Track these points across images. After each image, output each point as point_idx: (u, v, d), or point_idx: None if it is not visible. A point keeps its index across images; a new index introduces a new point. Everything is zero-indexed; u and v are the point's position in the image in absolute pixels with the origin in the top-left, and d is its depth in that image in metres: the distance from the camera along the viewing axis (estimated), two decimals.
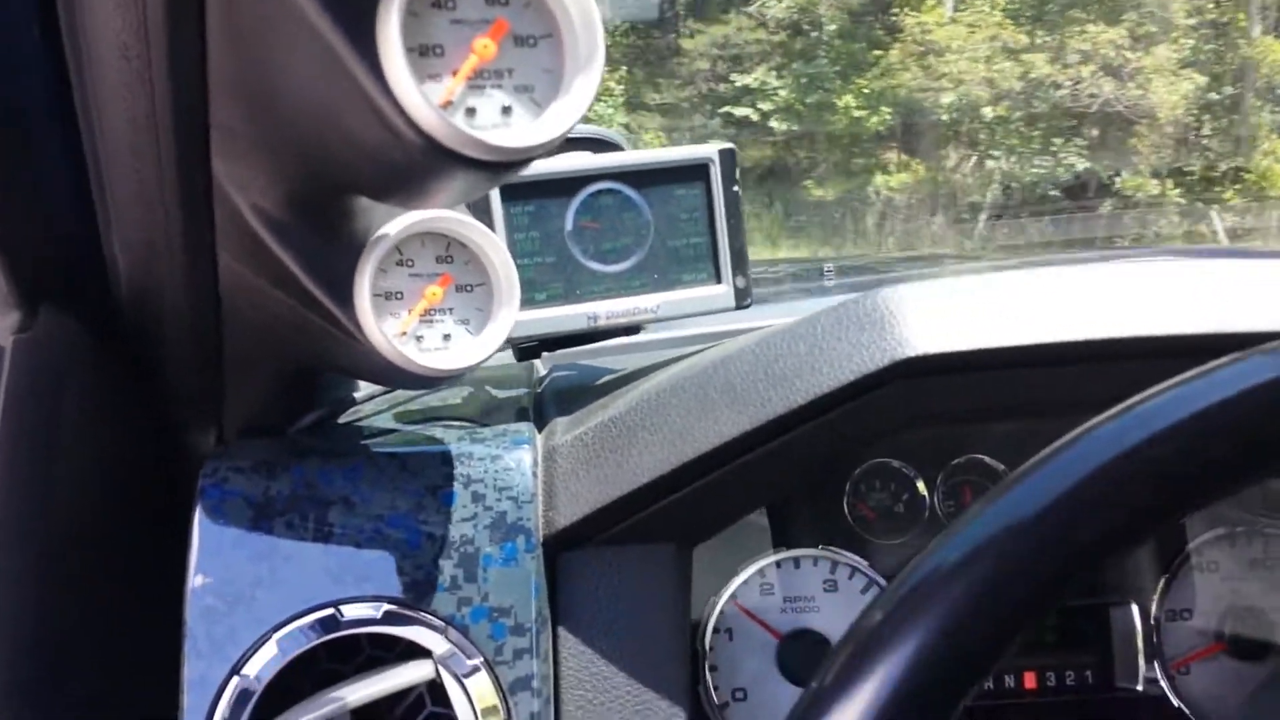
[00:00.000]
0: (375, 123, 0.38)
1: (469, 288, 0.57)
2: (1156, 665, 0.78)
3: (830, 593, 0.78)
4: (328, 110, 0.42)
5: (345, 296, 0.53)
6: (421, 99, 0.37)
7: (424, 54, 0.38)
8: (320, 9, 0.36)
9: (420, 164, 0.40)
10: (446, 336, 0.56)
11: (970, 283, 0.66)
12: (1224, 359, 0.40)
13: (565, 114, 0.40)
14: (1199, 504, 0.39)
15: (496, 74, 0.40)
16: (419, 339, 0.56)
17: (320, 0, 0.36)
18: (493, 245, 0.56)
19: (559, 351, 0.84)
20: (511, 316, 0.57)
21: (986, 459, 0.81)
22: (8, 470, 0.59)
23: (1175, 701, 0.78)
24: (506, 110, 0.40)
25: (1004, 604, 0.37)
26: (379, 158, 0.42)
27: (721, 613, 0.78)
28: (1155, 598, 0.80)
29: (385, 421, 0.74)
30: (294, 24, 0.37)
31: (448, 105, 0.39)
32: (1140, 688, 0.78)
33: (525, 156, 0.40)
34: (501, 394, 0.83)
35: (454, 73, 0.39)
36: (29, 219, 0.59)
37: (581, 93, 0.40)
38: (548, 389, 0.85)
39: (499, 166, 0.40)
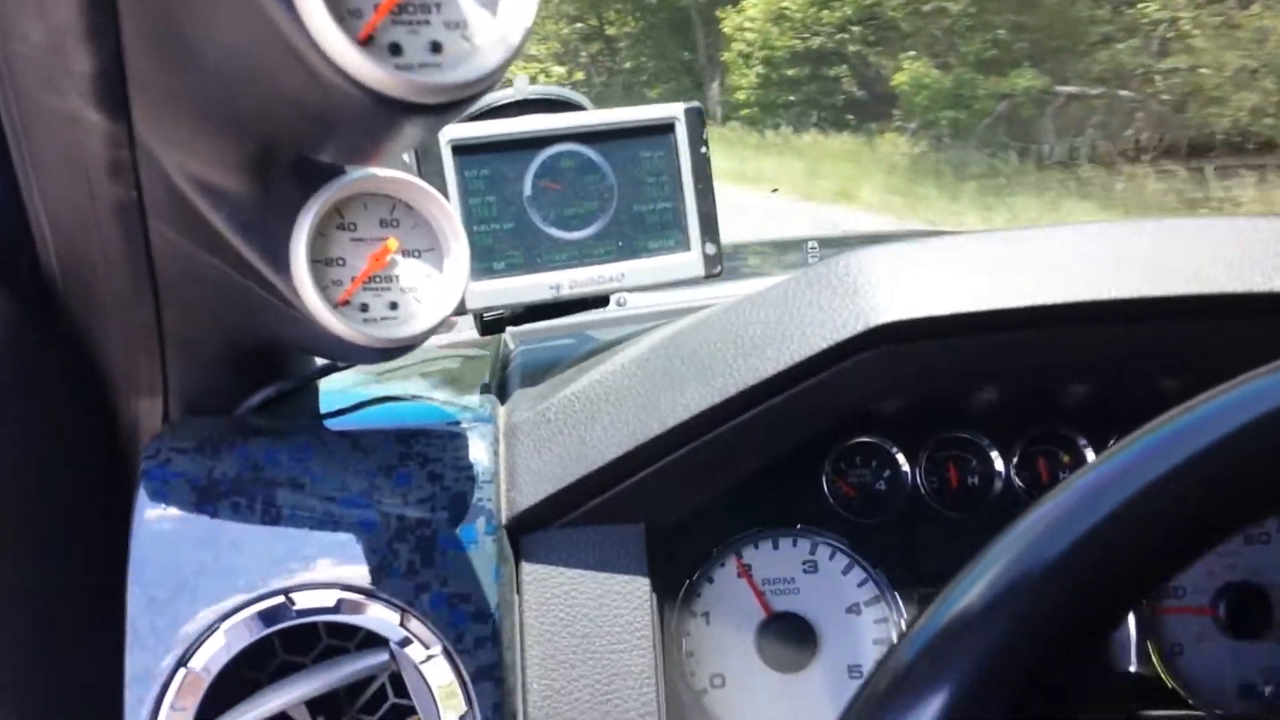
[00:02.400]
0: (294, 65, 0.35)
1: (416, 253, 0.53)
2: (1150, 645, 0.75)
3: (810, 574, 0.76)
4: (246, 56, 0.39)
5: (283, 262, 0.49)
6: (338, 33, 0.34)
7: None
8: None
9: (345, 109, 0.37)
10: (393, 305, 0.53)
11: (947, 244, 0.63)
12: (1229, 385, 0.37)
13: (499, 46, 0.37)
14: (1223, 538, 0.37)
15: (423, 8, 0.37)
16: (364, 308, 0.52)
17: None
18: (440, 207, 0.53)
19: (527, 327, 0.81)
20: (461, 282, 0.54)
21: (968, 435, 0.79)
22: None
23: (1169, 683, 0.75)
24: (436, 47, 0.37)
25: (1034, 649, 0.35)
26: (303, 105, 0.39)
27: (697, 595, 0.75)
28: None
29: (339, 400, 0.70)
30: None
31: (368, 41, 0.36)
32: (1134, 668, 0.75)
33: (458, 96, 0.37)
34: (465, 370, 0.80)
35: (376, 7, 0.36)
36: None
37: (517, 22, 0.37)
38: (514, 365, 0.81)
39: (431, 109, 0.37)
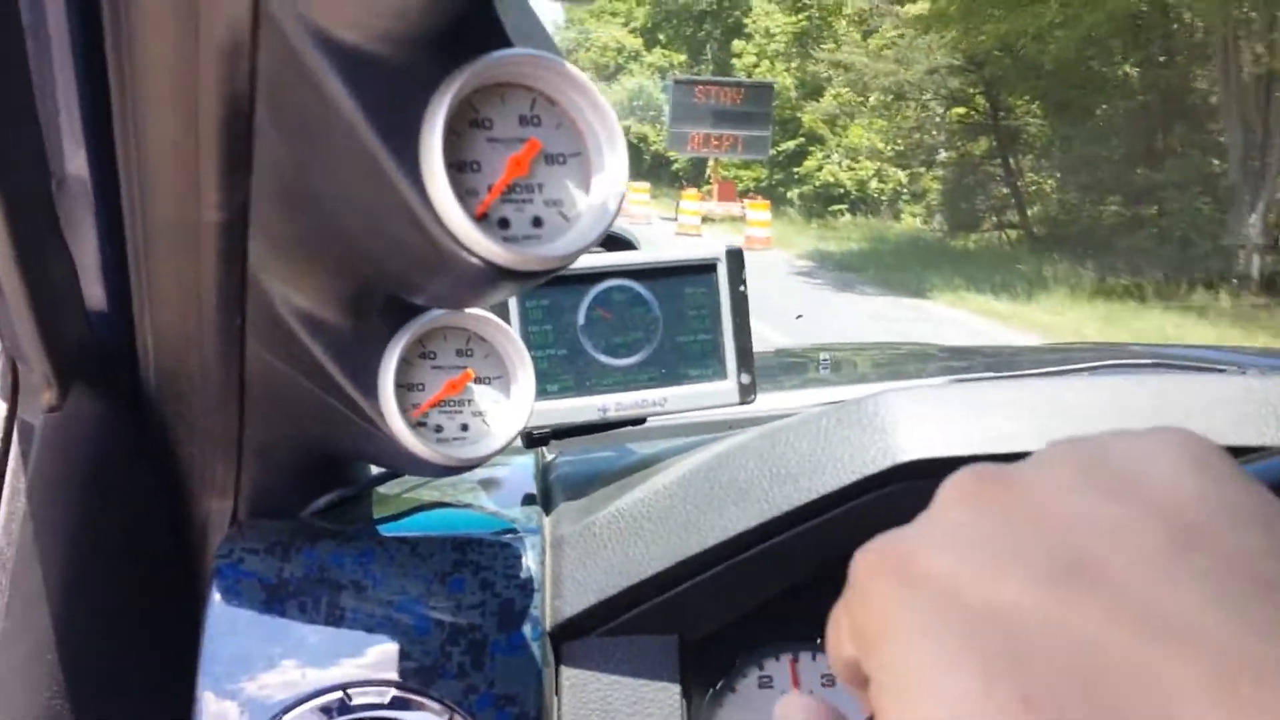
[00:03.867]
0: (414, 231, 0.41)
1: (487, 380, 0.59)
2: None
3: (828, 689, 0.79)
4: (368, 215, 0.45)
5: (370, 386, 0.55)
6: (460, 211, 0.39)
7: (461, 169, 0.41)
8: (367, 122, 0.39)
9: (454, 271, 0.43)
10: (464, 427, 0.58)
11: (966, 389, 0.68)
12: None
13: (591, 228, 0.43)
14: None
15: (528, 188, 0.42)
16: (438, 429, 0.58)
17: (367, 114, 0.39)
18: (510, 340, 0.59)
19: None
20: (527, 408, 0.59)
21: None
22: (35, 546, 0.61)
23: None
24: (537, 222, 0.43)
25: None
26: (415, 263, 0.44)
27: (720, 705, 0.78)
28: None
29: (397, 505, 0.75)
30: (340, 134, 0.40)
31: (483, 216, 0.41)
32: None
33: (555, 265, 0.42)
34: (510, 479, 0.85)
35: (490, 187, 0.41)
36: (67, 301, 0.61)
37: (606, 207, 0.43)
38: (555, 475, 0.86)
39: (528, 275, 0.43)
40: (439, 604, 0.65)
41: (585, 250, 0.43)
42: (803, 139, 24.83)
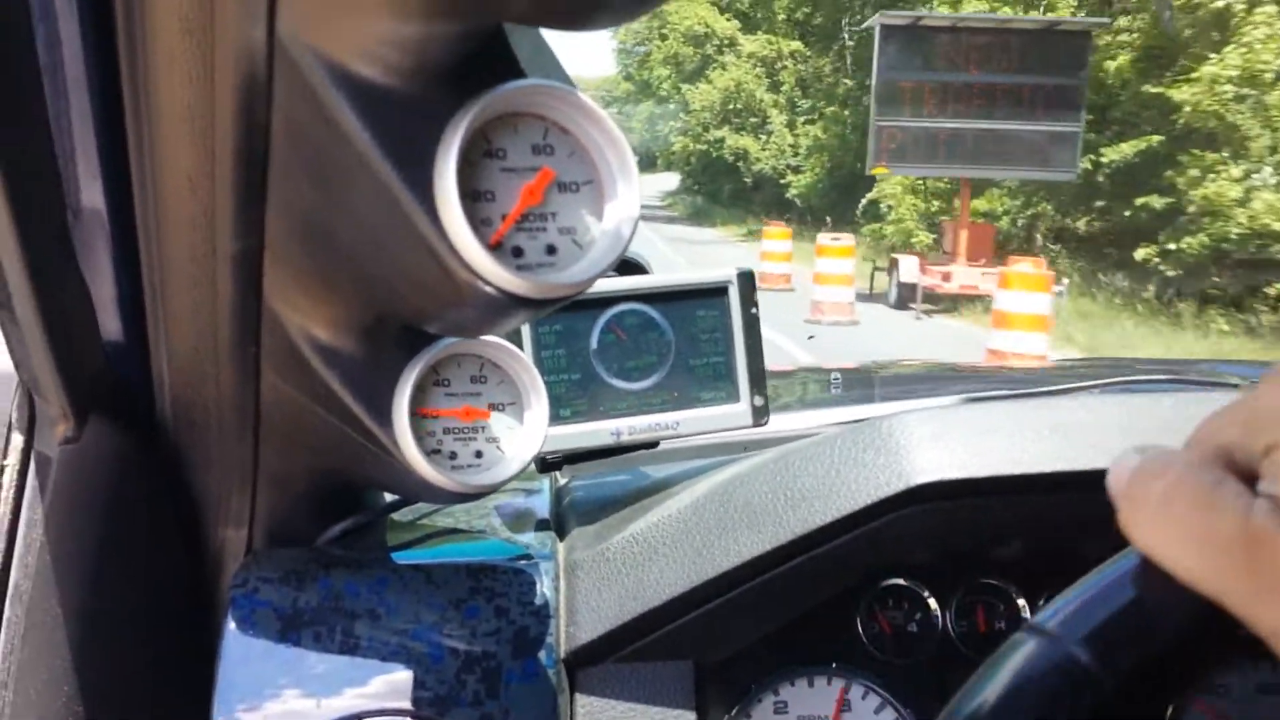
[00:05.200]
0: (429, 261, 0.41)
1: (501, 406, 0.59)
2: None
3: (844, 713, 0.79)
4: (382, 246, 0.45)
5: (384, 415, 0.55)
6: (474, 240, 0.39)
7: (476, 199, 0.41)
8: (381, 155, 0.39)
9: (469, 300, 0.43)
10: (479, 454, 0.59)
11: (980, 410, 0.68)
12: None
13: (605, 255, 0.43)
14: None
15: (541, 217, 0.43)
16: (452, 456, 0.58)
17: (381, 146, 0.39)
18: (524, 367, 0.59)
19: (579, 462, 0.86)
20: (541, 435, 0.59)
21: (997, 582, 0.82)
22: (51, 578, 0.61)
23: None
24: (551, 250, 0.43)
25: None
26: (431, 292, 0.45)
27: None
28: None
29: (410, 533, 0.75)
30: (356, 167, 0.40)
31: (497, 245, 0.42)
32: None
33: (569, 294, 0.43)
34: (523, 504, 0.85)
35: (504, 216, 0.42)
36: (83, 333, 0.61)
37: (620, 234, 0.43)
38: (569, 500, 0.86)
39: (542, 303, 0.43)
40: (454, 632, 0.65)
41: (599, 277, 0.43)
42: (1160, 141, 11.91)
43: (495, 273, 0.40)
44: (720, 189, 26.84)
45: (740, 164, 23.87)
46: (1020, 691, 0.40)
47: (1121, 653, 0.39)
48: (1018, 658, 0.41)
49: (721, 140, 24.40)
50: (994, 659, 0.42)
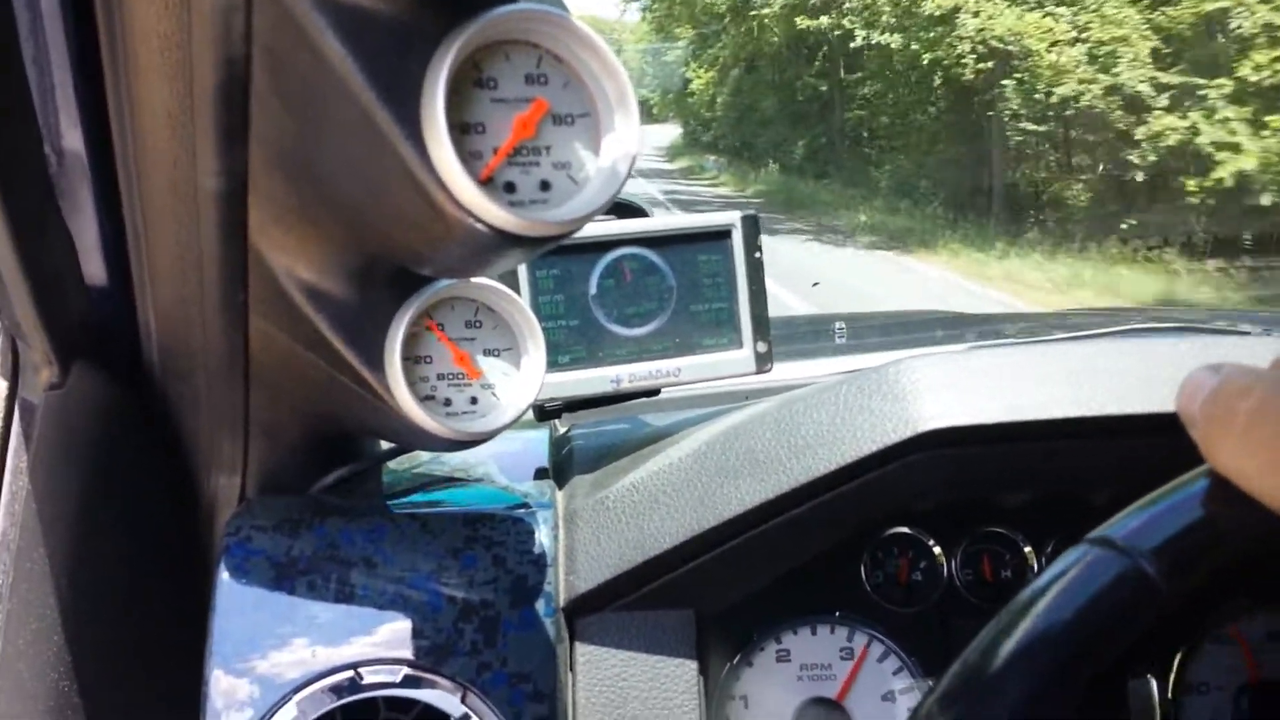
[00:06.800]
0: (417, 196, 0.39)
1: (496, 352, 0.58)
2: None
3: (847, 661, 0.78)
4: (369, 182, 0.43)
5: (376, 360, 0.53)
6: (464, 174, 0.38)
7: (466, 131, 0.39)
8: (366, 85, 0.37)
9: (459, 238, 0.41)
10: (473, 400, 0.57)
11: (989, 355, 0.66)
12: None
13: (601, 191, 0.41)
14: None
15: (535, 150, 0.41)
16: (447, 402, 0.56)
17: (366, 76, 0.37)
18: (520, 310, 0.57)
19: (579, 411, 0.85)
20: (538, 381, 0.58)
21: (1003, 530, 0.81)
22: (38, 526, 0.60)
23: None
24: (545, 185, 0.41)
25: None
26: (419, 230, 0.43)
27: (737, 678, 0.77)
28: (1173, 671, 0.79)
29: (407, 481, 0.74)
30: (339, 97, 0.38)
31: (488, 180, 0.40)
32: None
33: (564, 230, 0.41)
34: (521, 452, 0.83)
35: (495, 149, 0.40)
36: (66, 278, 0.60)
37: (617, 170, 0.41)
38: (568, 449, 0.85)
39: (535, 241, 0.41)
40: (451, 581, 0.64)
41: (595, 215, 0.41)
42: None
43: (486, 209, 0.38)
44: None
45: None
46: (1083, 600, 0.39)
47: (1189, 571, 0.38)
48: (1082, 567, 0.40)
49: None
50: (1057, 567, 0.41)
